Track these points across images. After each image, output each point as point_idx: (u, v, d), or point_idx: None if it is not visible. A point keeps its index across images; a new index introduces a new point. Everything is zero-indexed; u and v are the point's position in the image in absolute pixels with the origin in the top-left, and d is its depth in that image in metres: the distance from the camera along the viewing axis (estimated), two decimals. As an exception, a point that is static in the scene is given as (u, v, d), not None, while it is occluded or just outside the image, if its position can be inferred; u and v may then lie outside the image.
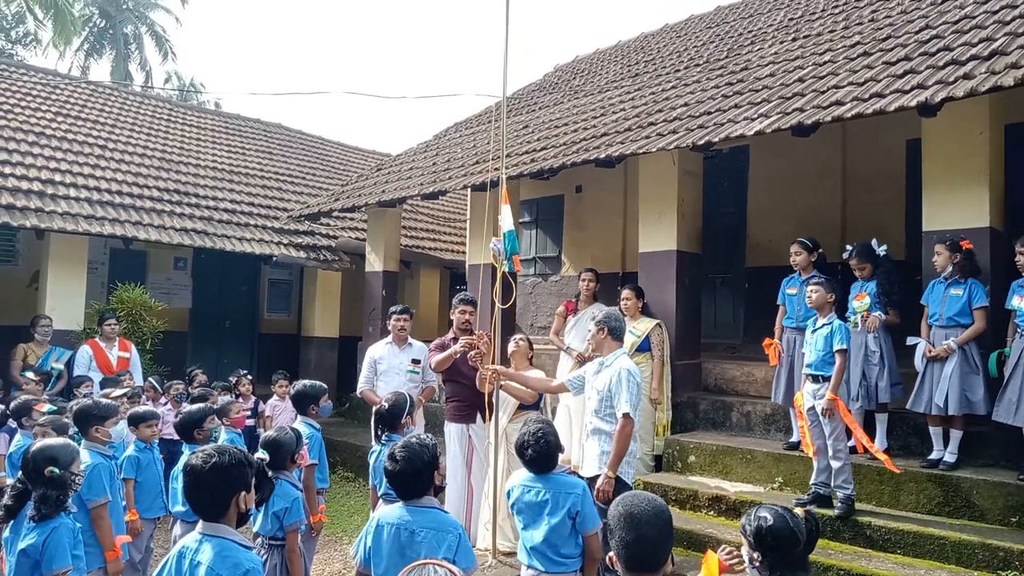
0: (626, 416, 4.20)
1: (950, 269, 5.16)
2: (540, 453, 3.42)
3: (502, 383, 4.97)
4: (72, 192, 8.99)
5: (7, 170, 8.75)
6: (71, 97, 12.16)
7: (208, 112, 16.26)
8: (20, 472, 3.34)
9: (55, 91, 12.09)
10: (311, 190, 12.77)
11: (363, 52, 64.77)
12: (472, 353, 5.22)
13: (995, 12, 5.88)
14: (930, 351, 5.15)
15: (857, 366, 5.39)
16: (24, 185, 8.59)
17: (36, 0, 20.37)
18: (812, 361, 5.09)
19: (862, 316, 5.44)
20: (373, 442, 4.37)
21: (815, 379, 5.05)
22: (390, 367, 6.10)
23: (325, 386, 4.93)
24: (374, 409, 4.40)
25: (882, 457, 4.88)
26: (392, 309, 6.29)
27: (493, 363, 5.07)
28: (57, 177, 9.15)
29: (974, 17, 6.00)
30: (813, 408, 5.03)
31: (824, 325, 5.06)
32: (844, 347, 4.95)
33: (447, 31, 67.51)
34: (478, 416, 5.58)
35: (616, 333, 4.51)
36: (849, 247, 5.75)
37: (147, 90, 21.38)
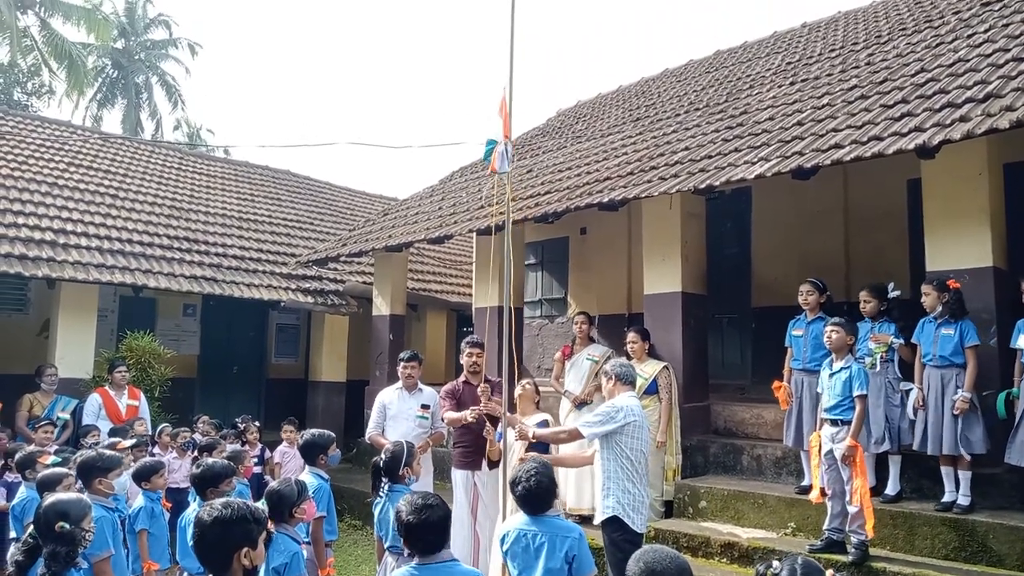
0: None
1: (939, 309, 5.18)
2: (530, 491, 3.41)
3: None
4: (83, 241, 9.13)
5: (20, 220, 8.90)
6: (83, 148, 12.40)
7: (217, 160, 16.53)
8: (32, 527, 3.34)
9: (68, 142, 12.34)
10: (319, 235, 12.91)
11: (370, 97, 65.93)
12: (491, 444, 5.30)
13: (988, 56, 5.98)
14: (921, 402, 5.18)
15: (879, 408, 5.37)
16: (36, 235, 8.73)
17: (51, 53, 20.91)
18: (830, 405, 5.06)
19: (880, 357, 5.44)
20: (374, 494, 4.31)
21: (833, 423, 5.02)
22: (399, 412, 6.07)
23: (333, 435, 4.91)
24: (372, 460, 4.38)
25: (868, 511, 4.80)
26: (401, 356, 6.29)
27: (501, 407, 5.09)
28: (69, 227, 9.29)
29: (968, 60, 6.10)
30: (831, 452, 5.00)
31: (843, 369, 5.04)
32: (864, 392, 4.94)
33: (453, 76, 68.77)
34: (484, 463, 5.56)
35: (625, 378, 4.48)
36: (892, 285, 5.76)
37: (157, 140, 21.77)
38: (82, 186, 10.68)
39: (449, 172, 12.34)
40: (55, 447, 6.21)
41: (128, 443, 5.99)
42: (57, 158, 11.33)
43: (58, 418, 7.52)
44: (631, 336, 6.69)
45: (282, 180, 15.57)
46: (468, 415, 5.41)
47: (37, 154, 11.16)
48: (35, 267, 8.24)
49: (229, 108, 50.90)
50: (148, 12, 27.54)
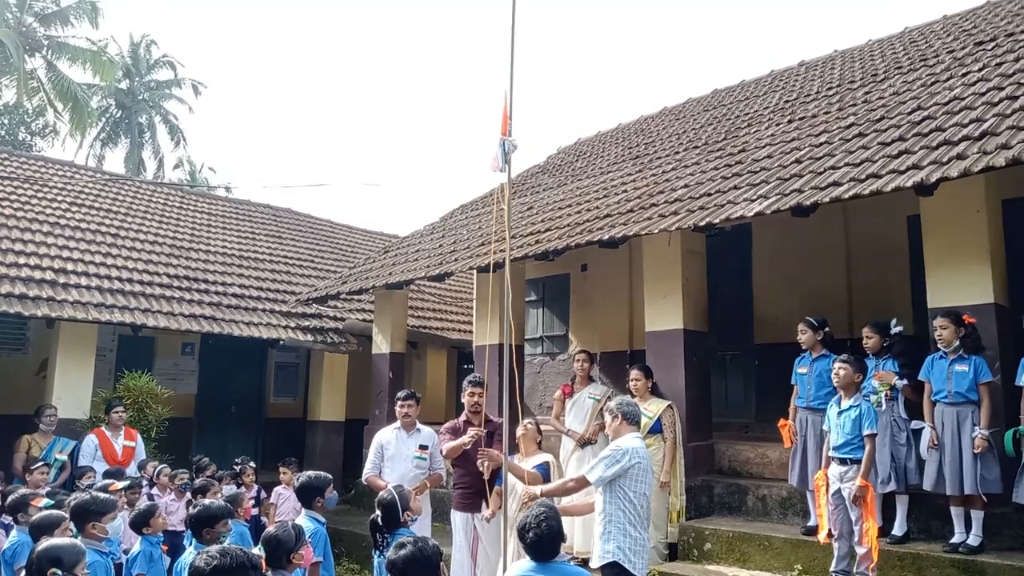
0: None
1: (956, 344, 5.13)
2: (541, 537, 3.32)
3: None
4: (83, 281, 9.13)
5: (21, 260, 8.92)
6: (86, 187, 12.48)
7: (219, 198, 16.63)
8: (23, 572, 3.27)
9: (71, 181, 12.42)
10: (319, 273, 12.91)
11: (374, 134, 66.67)
12: (481, 462, 5.22)
13: (983, 94, 6.04)
14: (935, 440, 5.09)
15: (885, 447, 5.30)
16: (37, 275, 8.74)
17: (56, 94, 21.23)
18: (839, 443, 4.99)
19: (884, 395, 5.38)
20: (375, 549, 4.20)
21: (842, 462, 4.95)
22: (397, 453, 6.00)
23: (330, 476, 4.82)
24: (370, 519, 4.27)
25: (874, 552, 4.74)
26: (398, 395, 6.25)
27: (501, 449, 5.02)
28: (69, 266, 9.30)
29: (963, 99, 6.16)
30: (839, 492, 4.92)
31: (852, 407, 4.98)
32: (874, 431, 4.88)
33: (456, 114, 69.62)
34: (484, 505, 5.47)
35: (630, 418, 4.42)
36: (895, 322, 5.74)
37: (159, 181, 21.96)
38: (83, 226, 10.72)
39: (450, 210, 12.40)
40: (48, 489, 6.12)
41: (121, 485, 5.91)
42: (60, 198, 11.39)
43: (55, 459, 7.44)
44: (634, 374, 6.63)
45: (283, 218, 15.64)
46: (466, 440, 5.36)
47: (40, 194, 11.23)
48: (35, 306, 8.23)
49: (232, 145, 51.50)
50: (153, 53, 28.02)
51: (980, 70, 6.79)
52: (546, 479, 5.29)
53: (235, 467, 7.79)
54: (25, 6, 20.73)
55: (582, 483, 4.42)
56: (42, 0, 21.14)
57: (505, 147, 4.64)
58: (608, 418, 4.50)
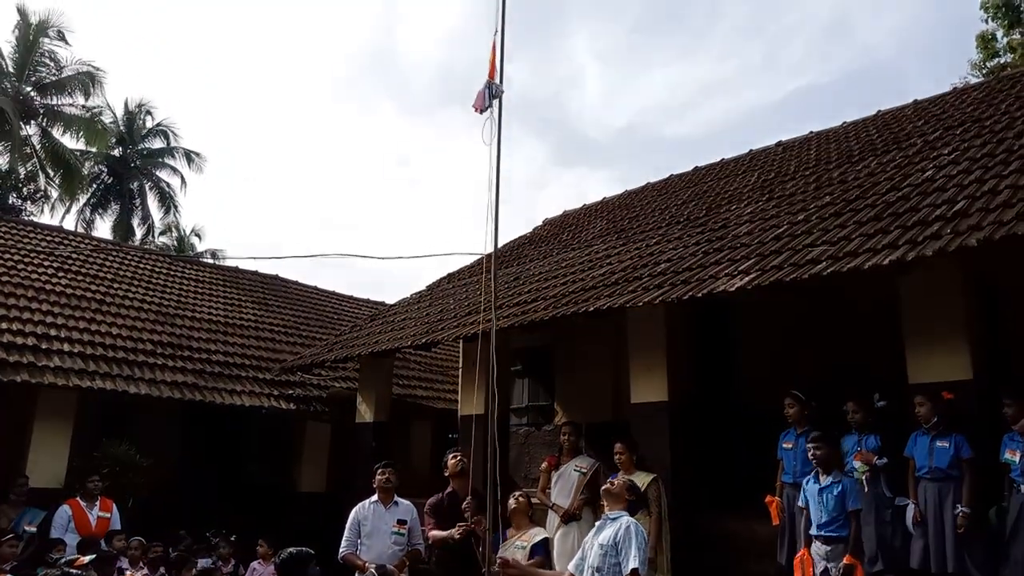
0: (635, 573, 3.93)
1: (935, 420, 5.18)
2: None
3: None
4: (66, 347, 9.07)
5: (4, 325, 8.86)
6: (73, 253, 12.48)
7: (206, 265, 16.67)
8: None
9: (58, 247, 12.44)
10: (305, 340, 12.87)
11: (362, 203, 67.44)
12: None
13: (953, 176, 6.29)
14: (919, 517, 5.07)
15: (870, 526, 5.26)
16: (19, 340, 8.67)
17: (49, 160, 21.46)
18: (823, 521, 4.95)
19: (867, 475, 5.38)
20: None
21: (827, 540, 4.91)
22: (374, 528, 5.85)
23: (312, 552, 4.73)
24: None
25: None
26: (376, 466, 6.19)
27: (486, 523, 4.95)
28: (52, 332, 9.25)
29: (935, 180, 6.41)
30: (826, 571, 4.87)
31: (834, 484, 4.97)
32: (859, 508, 4.87)
33: (444, 185, 70.79)
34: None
35: (632, 507, 4.35)
36: (877, 396, 5.80)
37: (148, 248, 22.00)
38: (69, 291, 10.69)
39: (437, 278, 12.49)
40: (13, 563, 5.94)
41: (87, 559, 5.73)
42: (46, 263, 11.38)
43: (24, 531, 7.23)
44: (618, 447, 6.57)
45: (270, 285, 15.66)
46: (455, 533, 5.26)
47: (27, 259, 11.22)
48: (15, 372, 8.14)
49: (222, 211, 51.84)
50: (148, 122, 28.43)
51: (950, 153, 7.08)
52: (545, 555, 5.21)
53: (210, 539, 7.60)
54: (24, 76, 21.15)
55: None
56: (41, 70, 21.58)
57: (492, 90, 4.61)
58: (619, 482, 4.37)
